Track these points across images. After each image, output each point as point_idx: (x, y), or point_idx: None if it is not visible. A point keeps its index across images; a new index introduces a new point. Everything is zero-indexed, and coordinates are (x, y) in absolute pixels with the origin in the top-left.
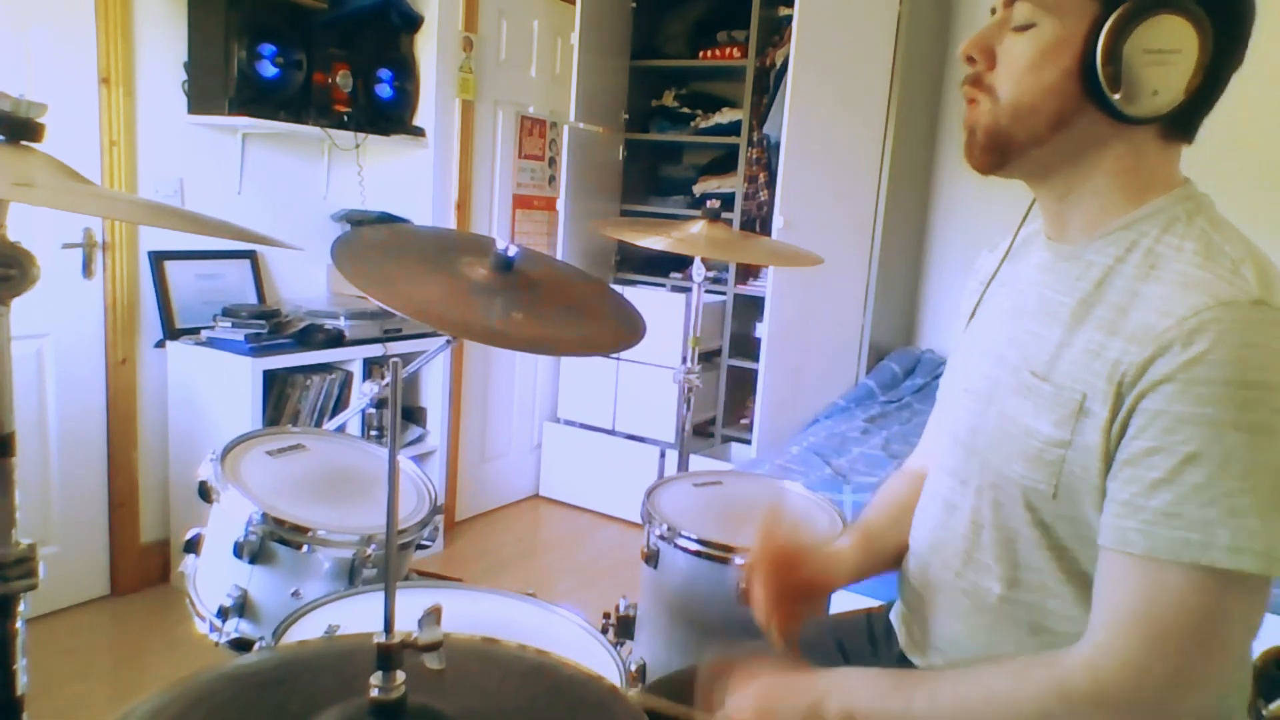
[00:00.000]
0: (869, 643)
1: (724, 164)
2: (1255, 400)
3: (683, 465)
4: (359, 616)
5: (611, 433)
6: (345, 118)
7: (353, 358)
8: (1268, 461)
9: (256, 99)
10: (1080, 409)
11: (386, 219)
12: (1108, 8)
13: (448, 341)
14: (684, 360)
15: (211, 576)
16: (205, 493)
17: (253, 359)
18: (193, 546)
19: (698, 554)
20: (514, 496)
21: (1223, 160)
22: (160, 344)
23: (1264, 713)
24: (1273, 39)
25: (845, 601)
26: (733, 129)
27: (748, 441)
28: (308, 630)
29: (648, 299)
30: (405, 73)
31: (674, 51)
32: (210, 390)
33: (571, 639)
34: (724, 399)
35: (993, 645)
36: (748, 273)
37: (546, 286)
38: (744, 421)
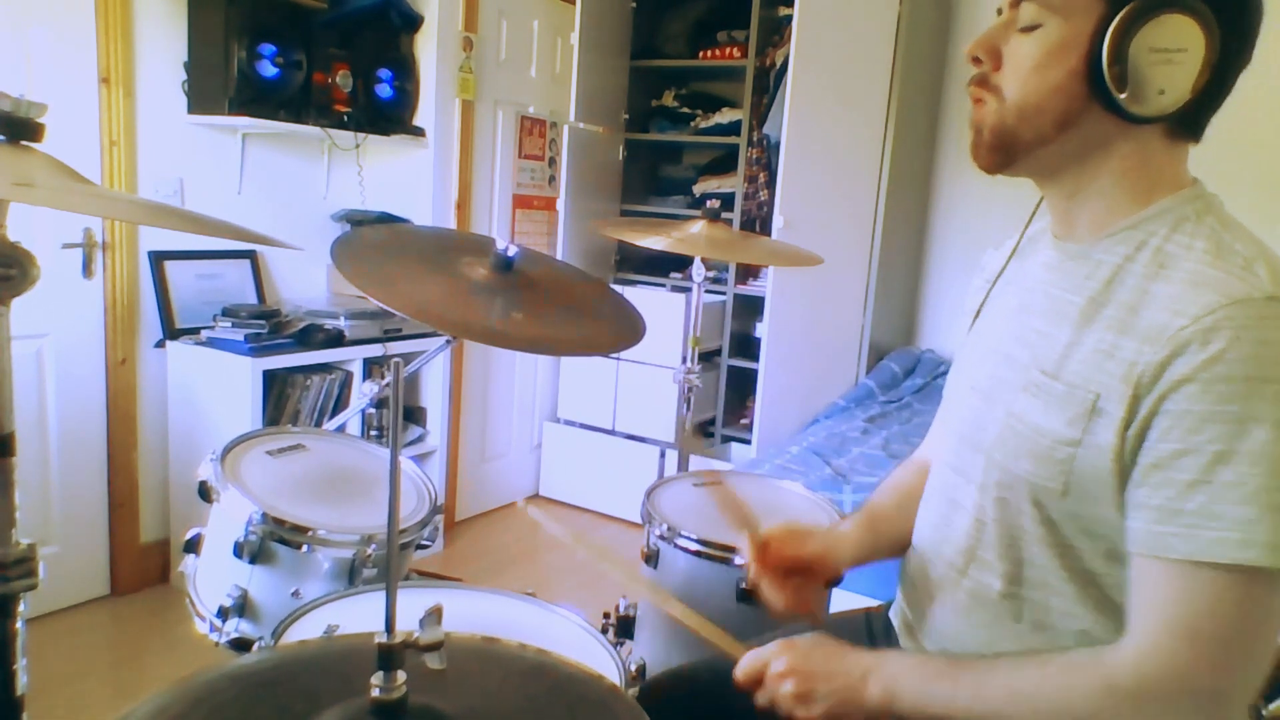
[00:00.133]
0: (868, 642)
1: (724, 164)
2: (1278, 394)
3: (683, 465)
4: (359, 616)
5: (611, 433)
6: (345, 118)
7: (353, 358)
8: None
9: (256, 99)
10: (1093, 409)
11: (386, 219)
12: (1114, 7)
13: (448, 341)
14: (684, 360)
15: (211, 576)
16: (205, 493)
17: (253, 359)
18: (193, 546)
19: (697, 554)
20: (514, 496)
21: (1229, 159)
22: (160, 344)
23: (1264, 713)
24: None
25: (845, 601)
26: (733, 129)
27: (748, 441)
28: (308, 630)
29: (648, 299)
30: (405, 73)
31: (674, 51)
32: (210, 390)
33: (571, 639)
34: (724, 399)
35: (993, 642)
36: (748, 273)
37: (546, 286)
38: (744, 421)
